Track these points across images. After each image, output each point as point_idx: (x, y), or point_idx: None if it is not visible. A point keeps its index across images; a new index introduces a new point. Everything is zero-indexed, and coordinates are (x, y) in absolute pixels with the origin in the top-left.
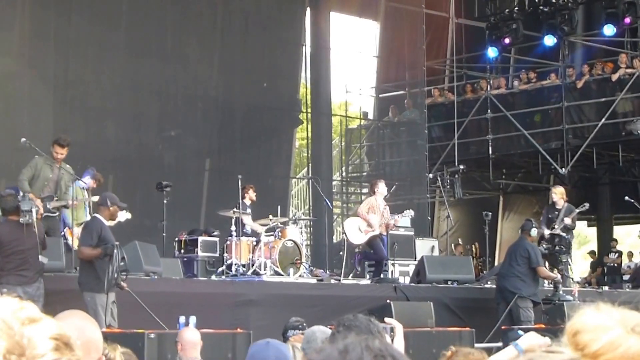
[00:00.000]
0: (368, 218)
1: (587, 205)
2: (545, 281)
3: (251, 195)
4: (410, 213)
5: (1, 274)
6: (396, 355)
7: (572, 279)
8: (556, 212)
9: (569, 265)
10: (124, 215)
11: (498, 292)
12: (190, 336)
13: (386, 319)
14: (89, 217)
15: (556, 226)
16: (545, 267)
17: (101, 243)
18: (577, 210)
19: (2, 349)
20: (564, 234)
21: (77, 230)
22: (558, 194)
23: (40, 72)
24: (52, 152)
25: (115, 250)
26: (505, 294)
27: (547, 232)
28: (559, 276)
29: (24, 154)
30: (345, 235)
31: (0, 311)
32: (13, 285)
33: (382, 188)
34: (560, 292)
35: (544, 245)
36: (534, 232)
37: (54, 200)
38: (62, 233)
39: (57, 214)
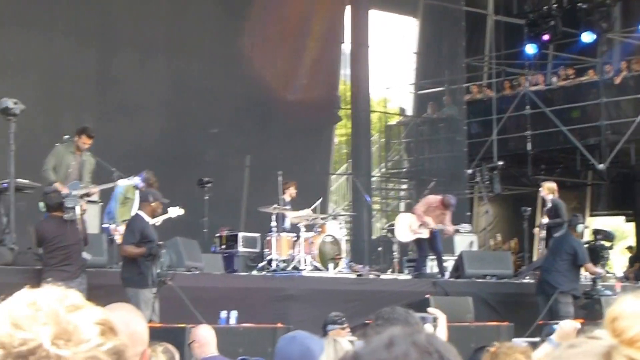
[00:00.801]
0: (424, 219)
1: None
2: (583, 275)
3: (292, 191)
4: (466, 227)
5: (44, 269)
6: (442, 349)
7: (614, 274)
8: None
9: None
10: (175, 212)
11: (539, 285)
12: (206, 332)
13: (429, 309)
14: None
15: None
16: None
17: (143, 240)
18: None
19: (50, 334)
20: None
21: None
22: (545, 190)
23: (82, 71)
24: (79, 142)
25: (161, 250)
26: (546, 288)
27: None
28: (604, 272)
29: None
30: (394, 229)
31: (46, 299)
32: (56, 281)
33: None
34: (599, 287)
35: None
36: (580, 227)
37: (79, 188)
38: (107, 227)
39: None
